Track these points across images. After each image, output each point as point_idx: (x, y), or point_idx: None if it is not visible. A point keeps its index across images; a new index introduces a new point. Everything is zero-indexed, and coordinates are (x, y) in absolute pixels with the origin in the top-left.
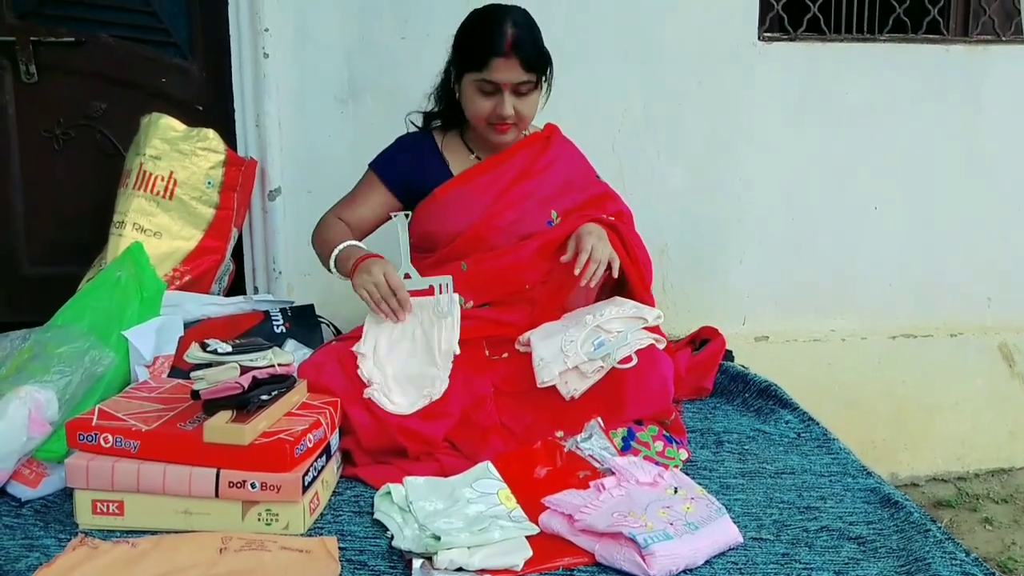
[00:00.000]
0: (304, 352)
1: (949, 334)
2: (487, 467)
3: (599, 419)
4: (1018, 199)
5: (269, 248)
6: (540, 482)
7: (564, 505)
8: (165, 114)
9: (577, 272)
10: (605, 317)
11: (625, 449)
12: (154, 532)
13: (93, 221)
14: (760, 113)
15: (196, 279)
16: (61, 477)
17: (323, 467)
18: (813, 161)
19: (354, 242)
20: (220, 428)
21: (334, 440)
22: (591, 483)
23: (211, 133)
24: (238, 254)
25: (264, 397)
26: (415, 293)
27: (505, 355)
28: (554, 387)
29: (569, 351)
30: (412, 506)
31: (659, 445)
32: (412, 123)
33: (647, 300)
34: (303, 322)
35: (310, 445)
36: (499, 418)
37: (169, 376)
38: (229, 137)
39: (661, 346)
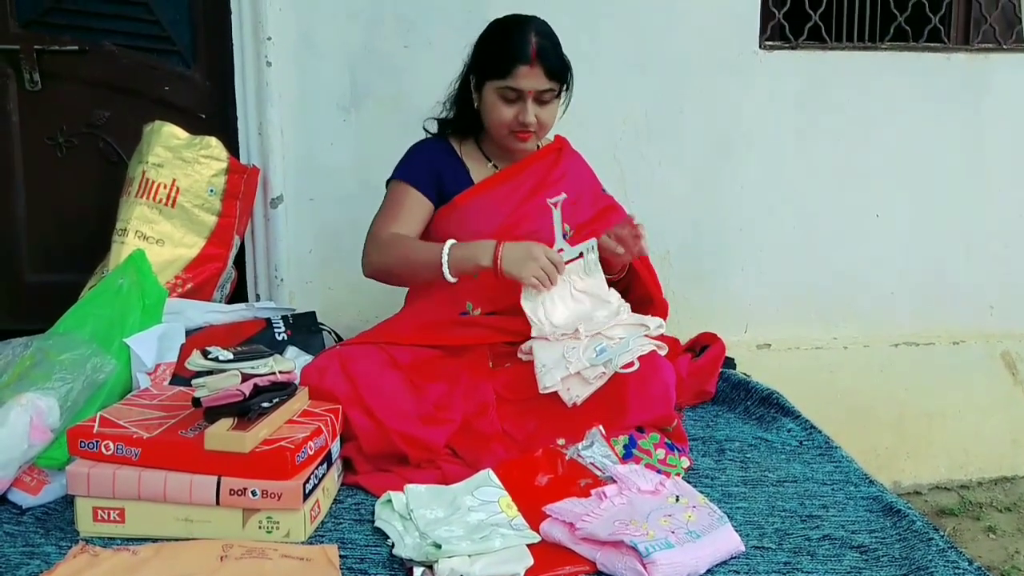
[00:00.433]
0: (305, 359)
1: (951, 342)
2: (488, 475)
3: (600, 427)
4: (1020, 206)
5: (271, 256)
6: (541, 490)
7: (565, 513)
8: (168, 122)
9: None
10: (607, 324)
11: (627, 457)
12: (155, 540)
13: (95, 228)
14: (761, 121)
15: (198, 287)
16: (62, 484)
17: (324, 475)
18: (815, 169)
19: (455, 241)
20: (221, 435)
21: (335, 448)
22: (592, 491)
23: (214, 141)
24: (240, 262)
25: (265, 404)
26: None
27: (507, 365)
28: (556, 394)
29: (571, 357)
30: (413, 514)
31: (661, 453)
32: (427, 130)
33: (661, 301)
34: (305, 329)
35: (311, 452)
36: (501, 425)
37: (170, 383)
38: (232, 145)
39: (663, 352)
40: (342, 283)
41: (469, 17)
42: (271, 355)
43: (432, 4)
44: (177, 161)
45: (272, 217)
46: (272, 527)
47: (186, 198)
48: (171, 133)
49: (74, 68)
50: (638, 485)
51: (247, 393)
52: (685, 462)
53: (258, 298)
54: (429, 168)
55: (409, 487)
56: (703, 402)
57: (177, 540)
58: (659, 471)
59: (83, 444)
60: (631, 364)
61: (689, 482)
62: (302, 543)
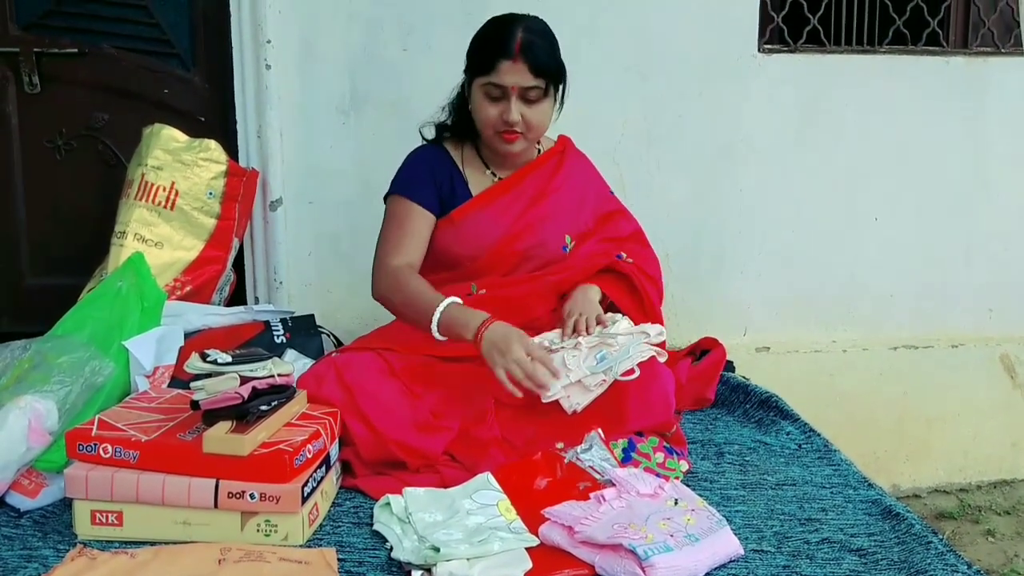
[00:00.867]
0: (304, 362)
1: (950, 345)
2: (487, 478)
3: (599, 430)
4: (1019, 209)
5: (270, 258)
6: (540, 493)
7: (564, 517)
8: (167, 125)
9: (581, 333)
10: (609, 330)
11: (625, 460)
12: (153, 543)
13: (94, 231)
14: (760, 124)
15: (197, 289)
16: (60, 487)
17: (322, 478)
18: (813, 172)
19: (456, 300)
20: (220, 438)
21: (333, 451)
22: (591, 494)
23: (213, 144)
24: (239, 264)
25: (264, 407)
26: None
27: None
28: (555, 401)
29: (572, 365)
30: (411, 517)
31: (660, 456)
32: (423, 136)
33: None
34: (303, 332)
35: (309, 456)
36: (499, 432)
37: (169, 386)
38: (231, 148)
39: (663, 359)
40: (341, 286)
41: (469, 20)
42: (270, 358)
43: (432, 7)
44: (176, 164)
45: (271, 220)
46: (270, 530)
47: (185, 201)
48: (170, 136)
49: (73, 71)
50: (637, 488)
51: (246, 396)
52: (684, 465)
53: (257, 301)
54: (428, 179)
55: (408, 490)
56: (702, 408)
57: (175, 543)
58: (658, 474)
59: (81, 447)
60: (631, 371)
61: (688, 485)
62: (300, 546)
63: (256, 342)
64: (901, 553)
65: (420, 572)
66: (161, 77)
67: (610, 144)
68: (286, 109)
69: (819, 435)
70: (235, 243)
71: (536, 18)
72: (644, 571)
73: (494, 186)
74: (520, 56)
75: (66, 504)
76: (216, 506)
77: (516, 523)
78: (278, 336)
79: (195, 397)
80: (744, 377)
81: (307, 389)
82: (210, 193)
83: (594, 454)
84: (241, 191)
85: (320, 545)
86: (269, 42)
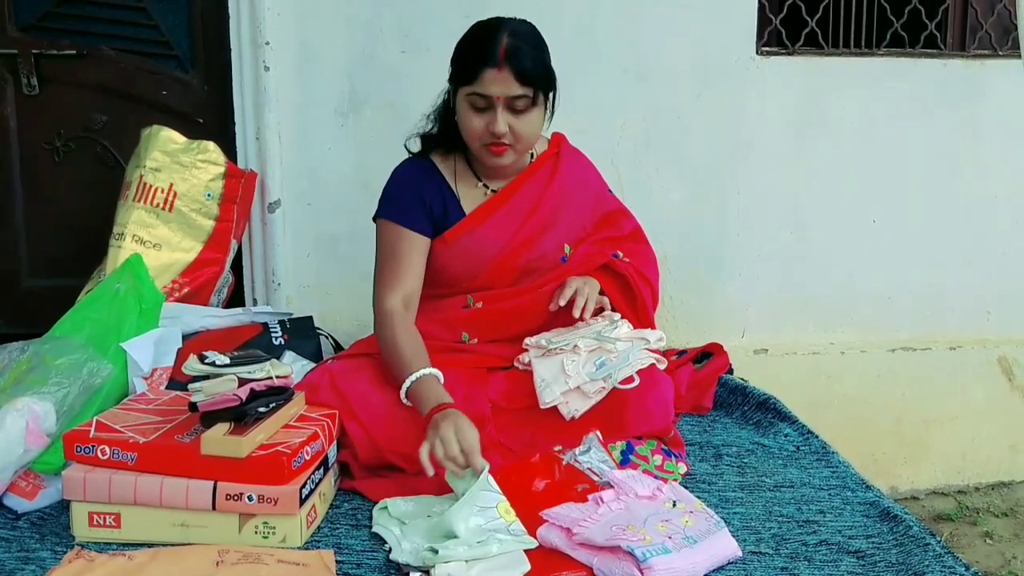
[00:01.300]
0: (303, 364)
1: (948, 347)
2: (486, 479)
3: (597, 432)
4: (1016, 211)
5: (268, 260)
6: (538, 495)
7: (562, 519)
8: (165, 126)
9: (576, 314)
10: (610, 334)
11: (624, 463)
12: (151, 545)
13: (93, 233)
14: (758, 127)
15: (195, 291)
16: (58, 489)
17: (320, 480)
18: (812, 174)
19: (429, 373)
20: (218, 440)
21: (332, 453)
22: (589, 496)
23: (211, 145)
24: (237, 266)
25: (262, 409)
26: None
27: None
28: (554, 407)
29: (571, 371)
30: (410, 520)
31: (658, 459)
32: (408, 149)
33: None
34: (302, 334)
35: (308, 458)
36: (497, 437)
37: (167, 388)
38: (229, 149)
39: (662, 366)
40: (340, 288)
41: (467, 23)
42: (268, 360)
43: (430, 10)
44: (175, 165)
45: (270, 222)
46: (268, 532)
47: (183, 202)
48: (169, 137)
49: (72, 72)
50: (635, 490)
51: (244, 398)
52: (682, 467)
53: (255, 302)
54: (416, 201)
55: (394, 501)
56: (700, 415)
57: (173, 545)
58: (656, 477)
59: (79, 449)
60: (631, 379)
61: (686, 487)
62: (298, 548)
63: (254, 344)
64: (899, 555)
65: (418, 574)
66: (160, 79)
67: (608, 146)
68: (285, 111)
69: (817, 437)
70: (233, 245)
71: (523, 22)
72: (642, 573)
73: (487, 202)
74: (505, 64)
75: (64, 506)
76: (214, 508)
77: (515, 525)
78: (276, 338)
79: (193, 399)
80: (742, 379)
81: None
82: (208, 195)
83: (592, 456)
84: (239, 193)
85: (318, 547)
86: (268, 44)
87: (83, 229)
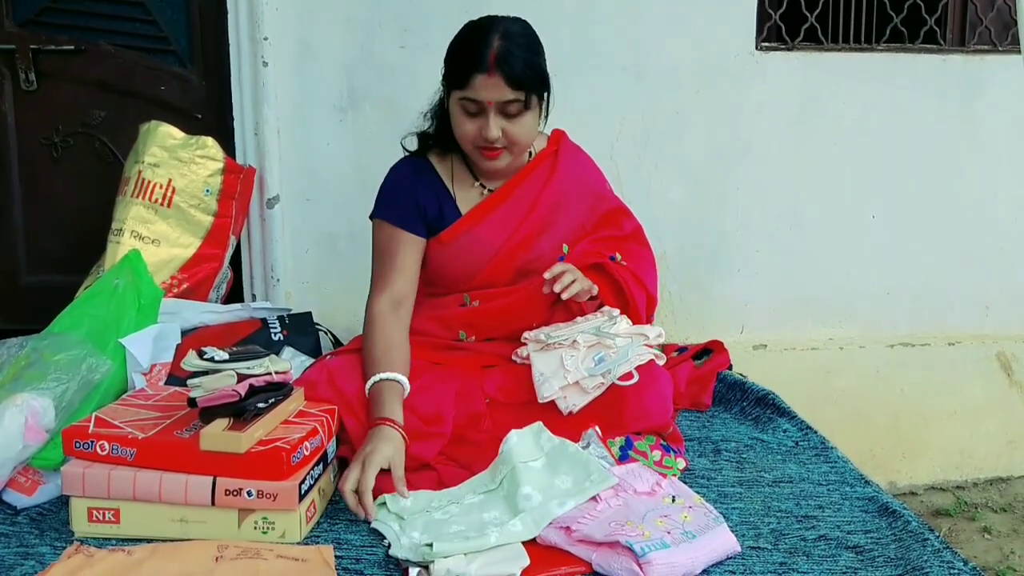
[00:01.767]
0: (302, 360)
1: (947, 343)
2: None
3: (596, 427)
4: (1015, 207)
5: (267, 256)
6: None
7: (561, 516)
8: (164, 122)
9: (558, 289)
10: (609, 330)
11: (623, 458)
12: (150, 540)
13: (91, 228)
14: (758, 122)
15: (194, 287)
16: (57, 485)
17: (320, 475)
18: (811, 170)
19: (390, 377)
20: (217, 436)
21: (331, 448)
22: None
23: (210, 141)
24: (236, 262)
25: (261, 405)
26: None
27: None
28: (552, 401)
29: (569, 366)
30: (409, 515)
31: (657, 454)
32: (405, 148)
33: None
34: (301, 330)
35: (307, 453)
36: (495, 432)
37: (166, 384)
38: (228, 145)
39: (661, 362)
40: (338, 283)
41: (466, 18)
42: (267, 355)
43: (429, 6)
44: (173, 161)
45: (268, 217)
46: (268, 527)
47: (182, 198)
48: (167, 133)
49: (70, 68)
50: (634, 487)
51: (243, 393)
52: (681, 463)
53: (254, 298)
54: (411, 202)
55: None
56: (699, 411)
57: (172, 541)
58: (655, 472)
59: (78, 444)
60: (630, 376)
61: (685, 483)
62: (298, 543)
63: (253, 339)
64: (898, 550)
65: (417, 569)
66: (158, 74)
67: (607, 144)
68: (283, 106)
69: (816, 432)
70: (232, 240)
71: (516, 21)
72: (641, 568)
73: (483, 202)
74: (496, 69)
75: (63, 501)
76: (213, 503)
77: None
78: (275, 333)
79: (192, 394)
80: (741, 375)
81: None
82: (207, 190)
83: (591, 452)
84: (238, 188)
85: (317, 542)
86: (266, 39)
87: (81, 225)
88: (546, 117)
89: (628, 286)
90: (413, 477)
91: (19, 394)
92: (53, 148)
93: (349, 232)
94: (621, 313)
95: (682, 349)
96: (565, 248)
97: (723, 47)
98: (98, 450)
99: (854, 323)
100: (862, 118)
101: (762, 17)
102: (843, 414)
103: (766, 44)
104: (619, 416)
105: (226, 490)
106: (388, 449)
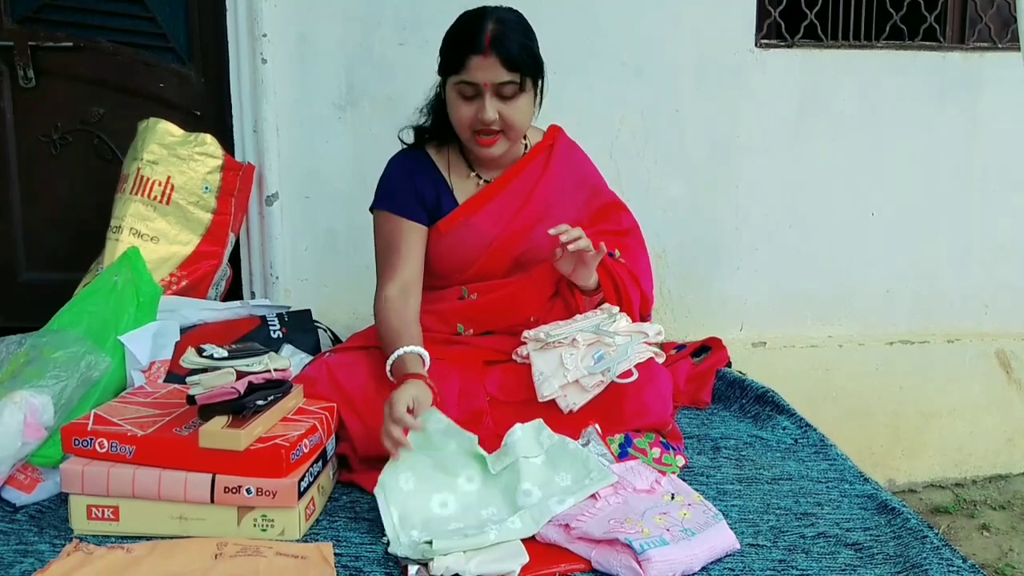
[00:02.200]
0: (301, 357)
1: (946, 340)
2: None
3: (596, 425)
4: (1015, 204)
5: (266, 253)
6: None
7: (560, 514)
8: (163, 119)
9: (565, 240)
10: (608, 328)
11: (622, 456)
12: (149, 538)
13: (90, 226)
14: (757, 120)
15: (193, 284)
16: (56, 482)
17: (319, 472)
18: (810, 167)
19: (411, 351)
20: (216, 433)
21: (330, 445)
22: None
23: (209, 138)
24: (235, 259)
25: (260, 402)
26: None
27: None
28: (552, 400)
29: (569, 365)
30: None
31: (656, 451)
32: (402, 140)
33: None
34: (300, 327)
35: (306, 450)
36: (495, 430)
37: (165, 381)
38: (227, 142)
39: (661, 360)
40: (337, 281)
41: None
42: (266, 353)
43: (428, 3)
44: (172, 158)
45: (267, 215)
46: (267, 525)
47: (181, 195)
48: (166, 130)
49: (69, 65)
50: (633, 484)
51: (242, 391)
52: (680, 460)
53: (253, 296)
54: (410, 191)
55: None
56: (698, 409)
57: (171, 538)
58: (655, 469)
59: (77, 442)
60: (629, 373)
61: (684, 480)
62: (297, 541)
63: (252, 337)
64: (897, 547)
65: (416, 567)
66: (157, 71)
67: (607, 140)
68: (282, 103)
69: (815, 430)
70: (231, 238)
71: (509, 9)
72: (640, 565)
73: (479, 193)
74: (491, 50)
75: (62, 499)
76: (212, 501)
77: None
78: (274, 331)
79: (191, 392)
80: (740, 372)
81: None
82: (206, 188)
83: (591, 449)
84: (237, 186)
85: (317, 540)
86: (265, 36)
87: (80, 222)
88: (540, 105)
89: (624, 284)
90: None
91: (18, 391)
92: (52, 145)
93: (348, 229)
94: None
95: (681, 347)
96: (558, 252)
97: (723, 44)
98: (97, 447)
99: (853, 320)
100: (862, 115)
101: (762, 14)
102: (842, 411)
103: (766, 41)
104: (619, 414)
105: (225, 487)
106: (414, 389)
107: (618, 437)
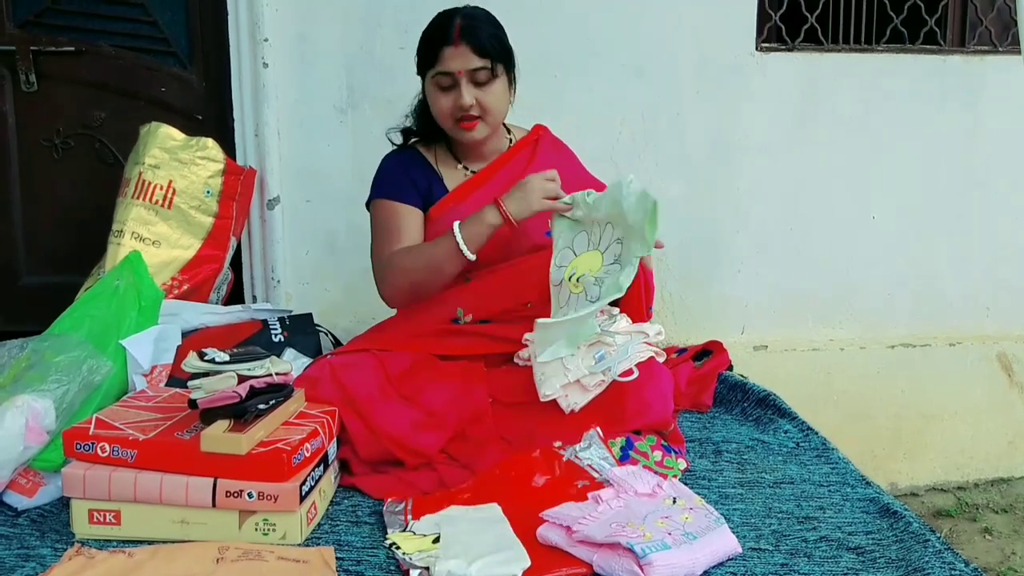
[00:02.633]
0: (303, 361)
1: (948, 343)
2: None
3: (598, 428)
4: (1016, 207)
5: (268, 257)
6: (538, 491)
7: (562, 517)
8: (164, 123)
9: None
10: (609, 328)
11: (624, 459)
12: (151, 542)
13: (92, 230)
14: (758, 123)
15: (194, 288)
16: (58, 486)
17: (321, 476)
18: (811, 170)
19: (458, 222)
20: (217, 437)
21: (332, 449)
22: (589, 494)
23: (210, 142)
24: (237, 263)
25: (262, 406)
26: None
27: (503, 367)
28: (554, 400)
29: (570, 364)
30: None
31: (657, 455)
32: (391, 140)
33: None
34: (301, 331)
35: (308, 454)
36: (497, 430)
37: (167, 385)
38: (228, 146)
39: (661, 359)
40: (339, 284)
41: None
42: (267, 357)
43: (428, 6)
44: (173, 162)
45: (269, 218)
46: (268, 529)
47: (182, 199)
48: (167, 134)
49: (70, 69)
50: (635, 488)
51: (243, 395)
52: (682, 464)
53: (255, 299)
54: (406, 178)
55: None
56: (700, 412)
57: (173, 542)
58: (656, 473)
59: (79, 446)
60: (630, 372)
61: (686, 484)
62: (298, 545)
63: (254, 341)
64: (899, 551)
65: (419, 571)
66: (158, 75)
67: (608, 143)
68: (283, 107)
69: (817, 433)
70: (233, 242)
71: (477, 7)
72: (642, 569)
73: (468, 180)
74: (461, 40)
75: (64, 503)
76: (214, 505)
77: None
78: (276, 335)
79: (193, 396)
80: (742, 375)
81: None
82: (207, 191)
83: (593, 452)
84: (239, 189)
85: (318, 544)
86: (266, 40)
87: (82, 226)
88: (514, 92)
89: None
90: (414, 477)
91: (20, 395)
92: (54, 149)
93: (349, 232)
94: (621, 309)
95: (682, 350)
96: (551, 222)
97: (723, 48)
98: (99, 452)
99: (855, 323)
100: (862, 119)
101: (762, 18)
102: (844, 415)
103: (766, 45)
104: (620, 412)
105: (227, 492)
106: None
107: (619, 440)
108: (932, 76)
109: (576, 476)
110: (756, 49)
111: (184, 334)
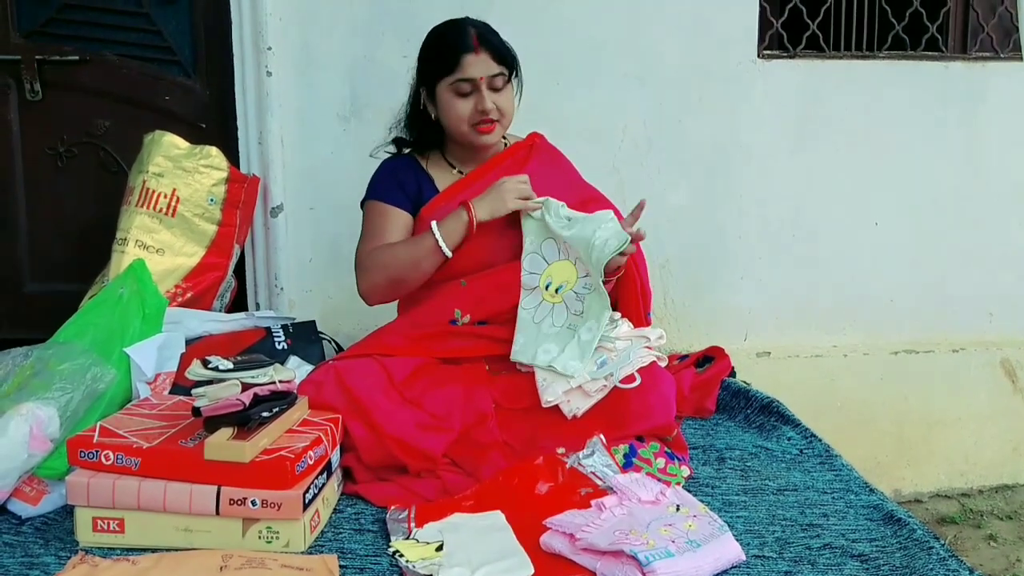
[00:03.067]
0: (306, 369)
1: (951, 349)
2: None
3: (601, 435)
4: (1018, 213)
5: (271, 265)
6: (541, 498)
7: (566, 525)
8: (168, 132)
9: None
10: (610, 333)
11: (627, 466)
12: (155, 550)
13: (96, 238)
14: (760, 130)
15: (198, 296)
16: (62, 494)
17: (324, 484)
18: (813, 177)
19: (435, 222)
20: (221, 445)
21: (335, 457)
22: (592, 502)
23: (214, 150)
24: (240, 271)
25: (265, 414)
26: None
27: (504, 373)
28: (556, 405)
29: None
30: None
31: (661, 462)
32: (387, 152)
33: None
34: (305, 339)
35: (311, 462)
36: (500, 435)
37: (170, 393)
38: (232, 154)
39: (663, 363)
40: (342, 292)
41: None
42: (271, 364)
43: (431, 15)
44: (177, 171)
45: (272, 226)
46: (272, 537)
47: (186, 207)
48: (171, 143)
49: (75, 78)
50: (638, 495)
51: (247, 403)
52: (685, 471)
53: (258, 307)
54: (398, 183)
55: None
56: (702, 418)
57: (177, 550)
58: (659, 480)
59: (83, 454)
60: (632, 378)
61: (689, 491)
62: (302, 553)
63: (257, 348)
64: (903, 558)
65: None
66: (162, 84)
67: (610, 151)
68: (287, 115)
69: (820, 440)
70: (236, 249)
71: (474, 19)
72: None
73: (460, 180)
74: (481, 47)
75: (68, 511)
76: (218, 513)
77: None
78: (279, 342)
79: (196, 404)
80: (745, 382)
81: (307, 395)
82: (211, 200)
83: (596, 460)
84: (242, 197)
85: (322, 552)
86: (270, 49)
87: (86, 234)
88: (519, 93)
89: (641, 272)
90: (417, 484)
91: (24, 404)
92: (58, 158)
93: (352, 240)
94: (625, 302)
95: (683, 357)
96: (523, 225)
97: (725, 55)
98: (103, 460)
99: (857, 330)
100: (864, 125)
101: (764, 25)
102: (847, 421)
103: (768, 52)
104: (623, 417)
105: (230, 499)
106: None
107: (623, 447)
108: (934, 83)
109: (579, 483)
110: (758, 56)
111: (188, 342)
